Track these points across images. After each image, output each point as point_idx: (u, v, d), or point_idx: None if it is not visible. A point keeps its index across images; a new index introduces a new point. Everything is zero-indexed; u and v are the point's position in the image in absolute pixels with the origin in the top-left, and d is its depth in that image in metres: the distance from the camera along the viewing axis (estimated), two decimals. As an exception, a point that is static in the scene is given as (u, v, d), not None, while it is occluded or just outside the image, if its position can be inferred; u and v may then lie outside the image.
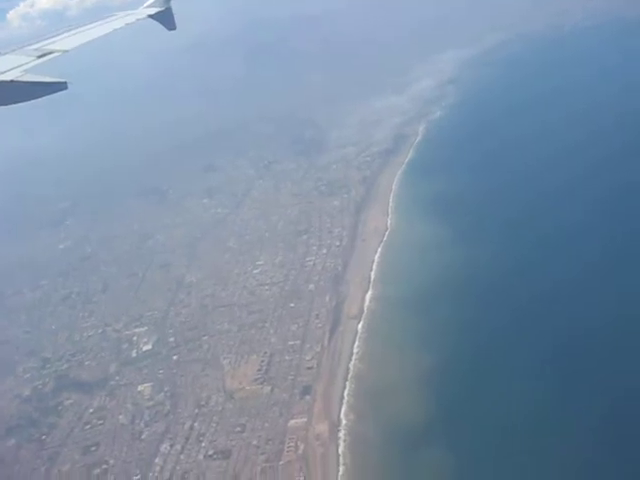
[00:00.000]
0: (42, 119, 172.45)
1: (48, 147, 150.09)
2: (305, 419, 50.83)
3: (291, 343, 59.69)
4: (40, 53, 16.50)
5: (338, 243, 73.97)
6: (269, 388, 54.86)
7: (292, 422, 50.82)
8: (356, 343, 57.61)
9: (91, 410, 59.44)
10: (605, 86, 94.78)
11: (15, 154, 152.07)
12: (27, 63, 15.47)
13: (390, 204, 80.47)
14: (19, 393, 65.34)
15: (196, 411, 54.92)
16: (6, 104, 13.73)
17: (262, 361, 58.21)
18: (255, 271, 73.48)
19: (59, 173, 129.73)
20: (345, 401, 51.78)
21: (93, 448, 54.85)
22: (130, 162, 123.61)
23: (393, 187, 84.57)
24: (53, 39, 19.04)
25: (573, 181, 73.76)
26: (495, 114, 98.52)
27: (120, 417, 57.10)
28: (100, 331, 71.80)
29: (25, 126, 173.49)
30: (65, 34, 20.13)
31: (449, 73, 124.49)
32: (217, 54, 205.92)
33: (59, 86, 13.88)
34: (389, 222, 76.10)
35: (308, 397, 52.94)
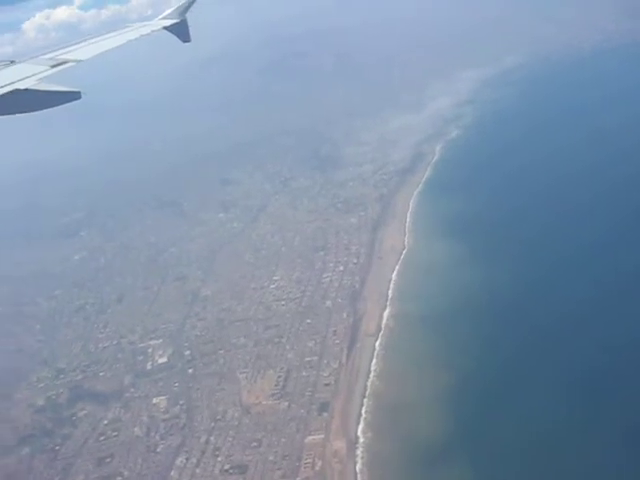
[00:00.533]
0: (58, 130, 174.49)
1: (64, 158, 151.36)
2: (322, 436, 50.44)
3: (308, 359, 59.36)
4: (55, 62, 16.66)
5: (355, 260, 73.78)
6: (286, 404, 54.51)
7: (309, 438, 50.46)
8: (374, 360, 57.26)
9: (106, 421, 59.25)
10: (625, 107, 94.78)
11: (30, 165, 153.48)
12: (42, 72, 15.61)
13: (407, 222, 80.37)
14: (33, 402, 65.34)
15: (212, 425, 54.60)
16: (21, 112, 13.84)
17: (279, 376, 57.90)
18: (272, 286, 73.33)
19: (74, 184, 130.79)
20: (363, 418, 51.41)
21: (108, 460, 54.69)
22: (146, 174, 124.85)
23: (410, 205, 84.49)
24: (68, 49, 19.18)
25: (593, 201, 73.70)
26: (513, 135, 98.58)
27: (135, 429, 56.87)
28: (115, 342, 71.74)
29: (41, 137, 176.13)
30: (80, 44, 20.30)
31: (467, 93, 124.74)
32: (233, 68, 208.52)
33: (73, 95, 14.02)
34: (406, 240, 75.91)
35: (325, 414, 52.57)
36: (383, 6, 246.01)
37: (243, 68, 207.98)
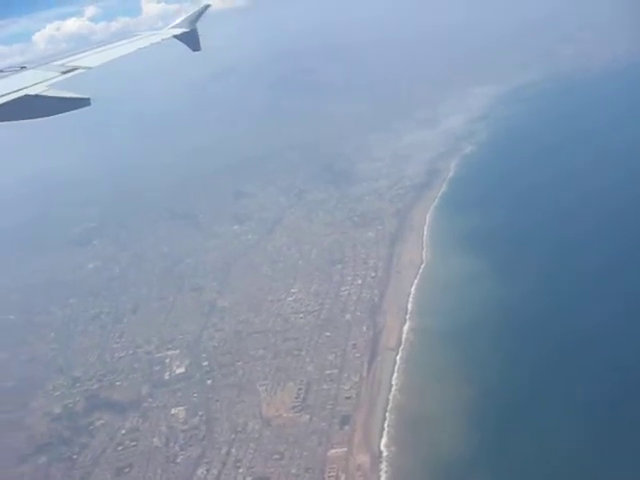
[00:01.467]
0: (69, 140, 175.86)
1: (74, 168, 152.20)
2: (345, 449, 50.07)
3: (328, 372, 59.06)
4: (65, 69, 16.74)
5: (373, 274, 73.66)
6: (307, 416, 54.15)
7: (332, 452, 50.09)
8: (395, 374, 56.98)
9: (123, 431, 58.96)
10: (636, 128, 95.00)
11: (41, 174, 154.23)
12: (52, 78, 15.70)
13: (425, 237, 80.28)
14: (49, 411, 65.17)
15: (233, 437, 54.25)
16: (31, 118, 13.92)
17: (299, 389, 57.58)
18: (289, 299, 73.17)
19: (84, 194, 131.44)
20: (385, 432, 51.05)
21: (126, 469, 54.43)
22: (156, 185, 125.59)
23: (427, 220, 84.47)
24: (78, 56, 19.26)
25: (610, 220, 73.48)
26: (527, 152, 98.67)
27: (154, 439, 56.60)
28: (131, 352, 71.59)
29: (50, 147, 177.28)
30: (90, 51, 20.38)
31: (479, 110, 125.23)
32: (242, 82, 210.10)
33: (82, 102, 14.05)
34: (424, 255, 75.81)
35: (347, 427, 52.19)
36: (393, 22, 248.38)
37: (252, 82, 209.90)
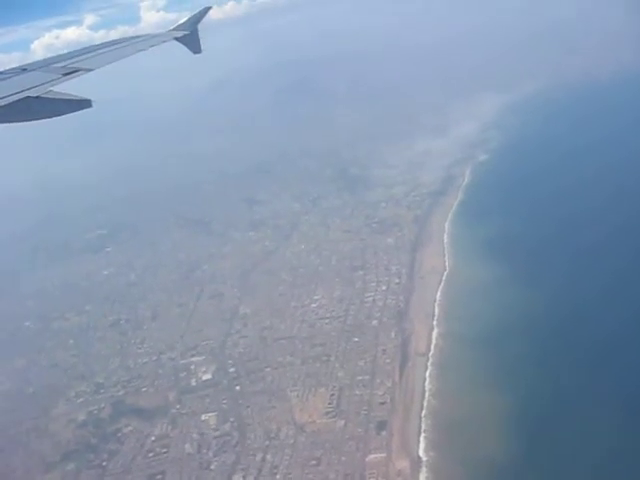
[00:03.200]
0: (73, 145, 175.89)
1: (80, 174, 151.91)
2: (384, 454, 49.90)
3: (360, 378, 58.89)
4: (66, 71, 16.61)
5: (397, 280, 73.68)
6: (342, 422, 53.94)
7: (370, 457, 49.90)
8: (427, 380, 56.98)
9: (153, 438, 58.50)
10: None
11: (47, 180, 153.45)
12: (53, 80, 15.60)
13: (445, 244, 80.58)
14: (74, 418, 64.56)
15: (267, 443, 53.91)
16: (32, 119, 13.79)
17: (332, 395, 57.37)
18: (313, 305, 73.03)
19: (93, 200, 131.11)
20: (423, 437, 50.93)
21: (159, 476, 54.04)
22: (166, 191, 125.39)
23: (446, 227, 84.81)
24: (79, 57, 19.20)
25: (628, 226, 74.00)
26: (541, 160, 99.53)
27: (186, 446, 56.16)
28: (154, 358, 71.12)
29: (55, 152, 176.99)
30: (91, 53, 20.31)
31: (490, 118, 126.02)
32: (247, 91, 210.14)
33: (84, 104, 14.01)
34: (446, 261, 75.95)
35: (384, 432, 52.03)
36: (398, 30, 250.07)
37: (256, 90, 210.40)
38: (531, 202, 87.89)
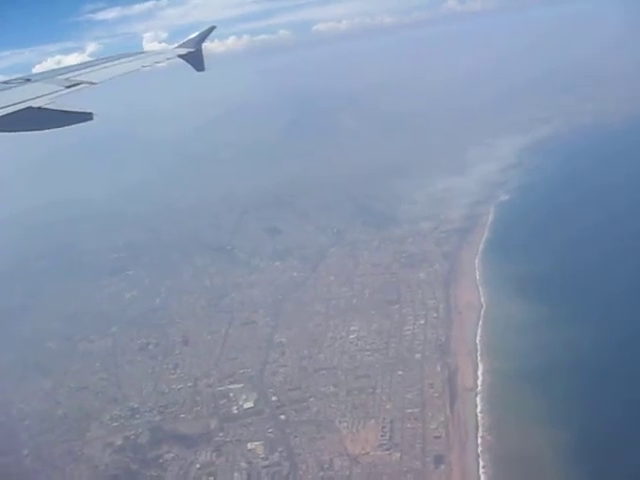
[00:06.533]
0: (84, 167, 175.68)
1: (91, 195, 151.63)
2: (446, 489, 49.45)
3: (409, 411, 58.67)
4: (69, 83, 16.87)
5: (435, 315, 73.98)
6: (398, 455, 53.61)
7: (432, 491, 49.37)
8: (479, 415, 56.88)
9: (198, 465, 57.61)
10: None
11: (63, 205, 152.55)
12: (56, 92, 15.83)
13: (477, 280, 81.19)
14: (110, 442, 63.41)
15: (321, 474, 53.33)
16: (33, 130, 14.17)
17: (383, 427, 57.02)
18: (351, 336, 72.93)
19: (106, 225, 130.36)
20: (482, 472, 50.67)
21: (209, 505, 52.69)
22: (182, 218, 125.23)
23: (476, 263, 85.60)
24: (82, 71, 19.44)
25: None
26: (563, 200, 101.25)
27: (235, 474, 55.31)
28: (190, 384, 70.25)
29: (64, 174, 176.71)
30: (94, 67, 20.59)
31: (508, 159, 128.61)
32: (262, 122, 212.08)
33: (85, 116, 14.21)
34: (482, 298, 76.49)
35: (443, 466, 51.74)
36: (403, 67, 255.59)
37: (265, 124, 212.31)
38: (558, 241, 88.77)
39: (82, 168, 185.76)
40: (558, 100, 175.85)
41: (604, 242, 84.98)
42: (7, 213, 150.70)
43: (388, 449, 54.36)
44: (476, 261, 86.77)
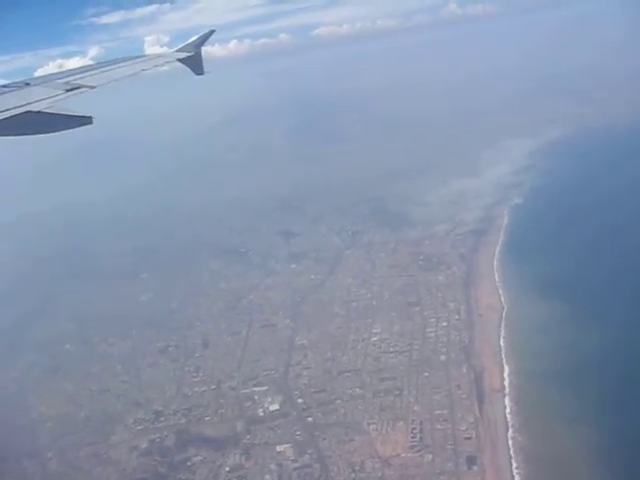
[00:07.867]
0: (92, 170, 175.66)
1: (97, 198, 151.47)
2: (481, 490, 49.47)
3: (438, 412, 58.72)
4: (68, 87, 16.90)
5: (457, 317, 74.05)
6: (429, 456, 53.61)
7: (467, 492, 49.39)
8: (509, 416, 56.94)
9: (227, 468, 57.67)
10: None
11: (67, 209, 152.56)
12: (55, 96, 15.86)
13: (497, 282, 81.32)
14: (136, 445, 63.35)
15: (352, 476, 53.38)
16: (32, 134, 14.09)
17: (413, 429, 57.01)
18: (373, 338, 72.95)
19: (114, 228, 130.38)
20: (516, 472, 50.71)
21: (242, 507, 52.64)
22: (192, 221, 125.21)
23: (494, 265, 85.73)
24: (82, 74, 19.47)
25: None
26: (577, 202, 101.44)
27: (266, 477, 55.27)
28: (213, 387, 70.24)
29: (69, 178, 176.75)
30: (94, 70, 20.60)
31: (519, 162, 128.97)
32: (265, 125, 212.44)
33: (84, 120, 14.20)
34: (502, 299, 76.58)
35: (476, 467, 51.79)
36: (406, 70, 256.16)
37: (270, 128, 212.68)
38: (575, 242, 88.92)
39: (86, 172, 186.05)
40: (562, 103, 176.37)
41: (621, 242, 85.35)
42: (12, 216, 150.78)
43: (419, 450, 54.36)
44: (494, 263, 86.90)
